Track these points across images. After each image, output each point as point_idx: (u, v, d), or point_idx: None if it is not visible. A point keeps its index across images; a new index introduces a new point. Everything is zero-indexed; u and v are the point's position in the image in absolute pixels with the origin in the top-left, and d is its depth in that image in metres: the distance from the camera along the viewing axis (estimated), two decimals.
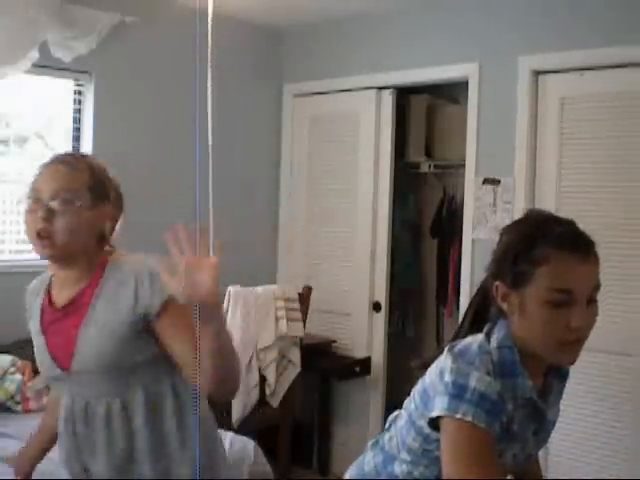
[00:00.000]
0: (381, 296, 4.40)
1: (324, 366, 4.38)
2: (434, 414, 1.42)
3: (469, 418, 1.35)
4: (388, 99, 4.37)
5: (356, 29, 4.44)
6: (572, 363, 1.48)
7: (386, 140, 4.38)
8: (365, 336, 4.42)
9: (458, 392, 1.38)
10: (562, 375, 1.61)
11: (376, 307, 4.41)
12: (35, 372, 3.50)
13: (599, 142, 3.53)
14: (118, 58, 4.05)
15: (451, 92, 4.77)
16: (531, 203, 3.72)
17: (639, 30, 3.36)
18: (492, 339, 1.48)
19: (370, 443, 1.76)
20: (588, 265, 1.42)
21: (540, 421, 1.53)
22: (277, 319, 3.88)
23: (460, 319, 1.67)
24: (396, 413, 1.71)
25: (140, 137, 4.18)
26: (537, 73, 3.73)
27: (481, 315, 1.59)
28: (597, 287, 1.43)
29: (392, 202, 4.41)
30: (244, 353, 3.73)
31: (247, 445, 3.25)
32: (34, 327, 1.85)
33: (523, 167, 3.72)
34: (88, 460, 1.78)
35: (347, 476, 1.77)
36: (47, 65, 3.81)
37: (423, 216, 5.17)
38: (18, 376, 3.37)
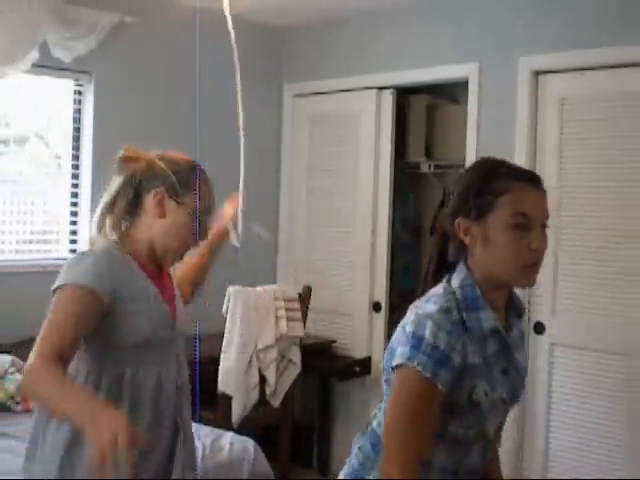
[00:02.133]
0: (381, 296, 4.40)
1: (324, 366, 4.38)
2: (395, 362, 1.55)
3: (420, 368, 1.50)
4: (388, 99, 4.37)
5: (356, 29, 4.44)
6: (532, 285, 1.63)
7: (386, 140, 4.37)
8: (365, 336, 4.42)
9: (417, 343, 1.52)
10: (519, 313, 1.73)
11: (376, 307, 4.41)
12: None
13: (599, 142, 3.53)
14: (118, 58, 4.05)
15: (451, 92, 4.77)
16: None
17: (639, 30, 3.36)
18: (453, 282, 1.62)
19: (356, 446, 1.75)
20: (541, 194, 1.62)
21: (508, 359, 1.65)
22: (277, 319, 3.88)
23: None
24: (379, 406, 1.73)
25: (140, 137, 4.16)
26: (537, 73, 3.73)
27: (443, 263, 1.72)
28: (548, 215, 1.62)
29: (392, 202, 4.41)
30: (244, 353, 3.73)
31: (247, 445, 3.25)
32: (145, 293, 1.86)
33: None
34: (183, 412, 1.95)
35: (341, 476, 1.76)
36: (47, 65, 3.81)
37: (423, 216, 5.17)
38: (18, 376, 3.37)
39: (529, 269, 1.58)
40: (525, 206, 1.56)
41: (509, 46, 3.78)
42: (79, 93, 4.10)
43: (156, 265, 1.93)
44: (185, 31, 3.79)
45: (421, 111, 4.82)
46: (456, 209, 1.64)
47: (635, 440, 3.38)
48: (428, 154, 4.92)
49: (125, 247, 1.87)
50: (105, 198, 1.89)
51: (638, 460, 3.37)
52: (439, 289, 1.62)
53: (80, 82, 4.07)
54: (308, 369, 4.13)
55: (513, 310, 1.71)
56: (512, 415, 3.79)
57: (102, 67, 4.02)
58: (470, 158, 3.94)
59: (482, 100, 3.91)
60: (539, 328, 3.69)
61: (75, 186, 4.12)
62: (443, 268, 1.70)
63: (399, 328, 1.61)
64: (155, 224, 1.88)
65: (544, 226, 1.60)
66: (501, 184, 1.58)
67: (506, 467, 3.75)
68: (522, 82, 3.74)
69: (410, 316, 1.58)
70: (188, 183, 1.89)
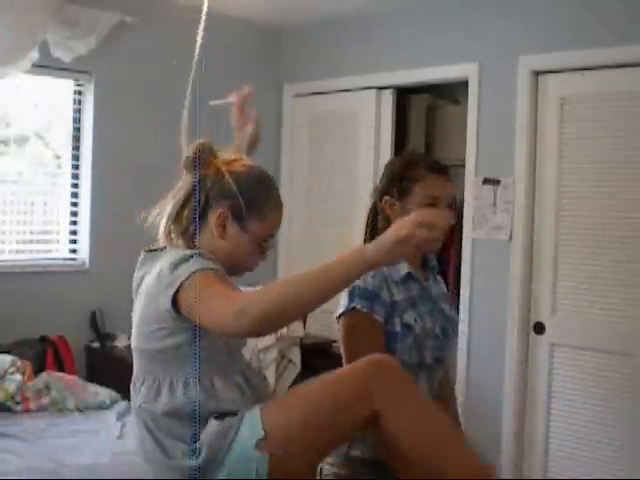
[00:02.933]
0: None
1: (324, 366, 4.36)
2: (338, 314, 2.07)
3: (359, 307, 1.99)
4: (388, 99, 4.37)
5: (356, 29, 4.44)
6: (436, 250, 2.00)
7: (386, 140, 4.37)
8: None
9: (351, 292, 2.02)
10: (430, 268, 2.22)
11: None
12: (35, 372, 3.51)
13: (599, 142, 3.52)
14: (118, 58, 4.05)
15: (451, 92, 4.77)
16: (531, 203, 3.72)
17: (639, 30, 3.36)
18: None
19: None
20: (448, 182, 2.11)
21: (433, 303, 2.11)
22: None
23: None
24: None
25: (140, 137, 4.18)
26: (537, 73, 3.73)
27: (375, 231, 2.21)
28: (452, 197, 2.12)
29: None
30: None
31: None
32: None
33: (523, 167, 3.72)
34: None
35: None
36: (47, 65, 3.82)
37: None
38: (18, 376, 3.37)
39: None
40: (434, 192, 2.05)
41: (509, 46, 3.78)
42: (79, 93, 4.10)
43: None
44: (185, 31, 3.80)
45: (421, 111, 4.82)
46: (384, 190, 2.14)
47: (635, 440, 3.38)
48: (428, 154, 4.92)
49: None
50: (173, 203, 1.73)
51: (638, 460, 3.37)
52: None
53: (80, 82, 4.07)
54: (308, 369, 4.13)
55: (430, 269, 2.21)
56: (512, 414, 3.79)
57: (102, 67, 4.02)
58: (470, 158, 3.95)
59: (482, 100, 3.91)
60: (539, 328, 3.69)
61: (75, 186, 4.12)
62: (374, 234, 2.15)
63: None
64: (215, 241, 1.73)
65: (450, 205, 2.10)
66: (417, 173, 2.07)
67: (506, 467, 3.76)
68: (522, 82, 3.74)
69: None
70: (255, 206, 1.70)
